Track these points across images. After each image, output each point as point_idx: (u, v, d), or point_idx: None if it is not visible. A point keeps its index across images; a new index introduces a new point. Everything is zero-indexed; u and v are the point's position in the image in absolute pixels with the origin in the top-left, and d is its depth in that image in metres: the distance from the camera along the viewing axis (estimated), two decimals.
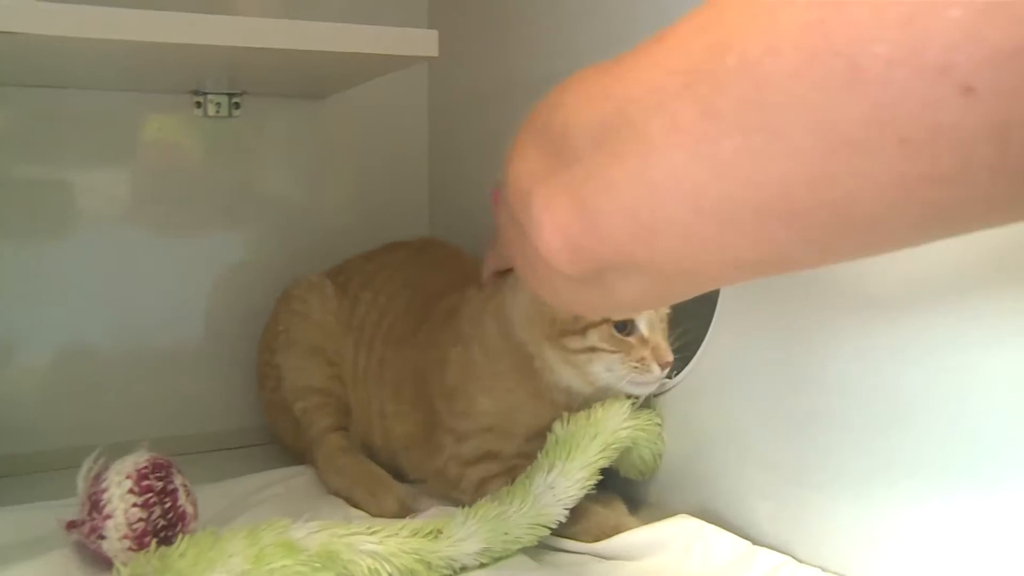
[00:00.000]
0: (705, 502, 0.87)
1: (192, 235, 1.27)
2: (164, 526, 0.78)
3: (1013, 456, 0.61)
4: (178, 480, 0.81)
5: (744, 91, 0.33)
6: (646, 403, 0.92)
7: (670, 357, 0.84)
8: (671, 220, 0.37)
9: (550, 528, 0.82)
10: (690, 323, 0.89)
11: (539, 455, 0.85)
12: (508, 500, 0.81)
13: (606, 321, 0.84)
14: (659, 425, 0.91)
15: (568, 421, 0.86)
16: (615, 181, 0.39)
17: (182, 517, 0.80)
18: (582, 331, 0.85)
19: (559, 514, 0.82)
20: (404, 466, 1.01)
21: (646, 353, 0.84)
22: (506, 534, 0.79)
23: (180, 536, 0.73)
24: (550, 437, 0.85)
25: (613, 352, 0.84)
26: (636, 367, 0.84)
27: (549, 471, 0.83)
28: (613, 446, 0.86)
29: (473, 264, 1.06)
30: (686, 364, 0.90)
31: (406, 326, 1.03)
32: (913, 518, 0.68)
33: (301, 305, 1.09)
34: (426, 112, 1.40)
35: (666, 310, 0.86)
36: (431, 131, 1.40)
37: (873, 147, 0.30)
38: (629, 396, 0.89)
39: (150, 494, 0.78)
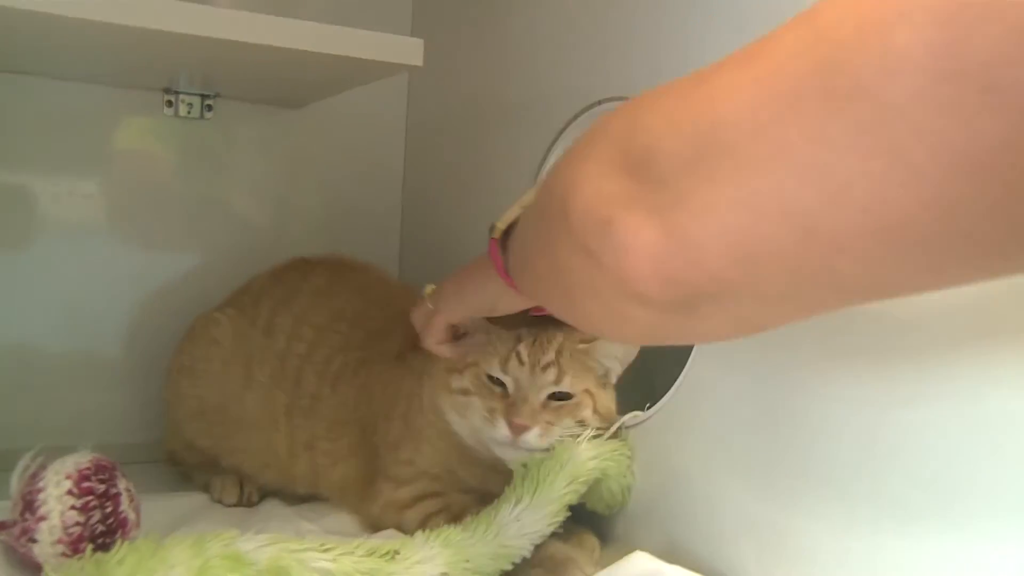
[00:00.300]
0: (675, 539, 0.84)
1: (153, 240, 1.24)
2: (103, 532, 0.74)
3: (1001, 499, 0.59)
4: (122, 484, 0.77)
5: (859, 115, 0.32)
6: (616, 435, 0.90)
7: (522, 420, 0.82)
8: (776, 246, 0.37)
9: (513, 562, 0.79)
10: (668, 354, 0.87)
11: (507, 488, 0.83)
12: (472, 528, 0.78)
13: (478, 366, 0.85)
14: (628, 458, 0.89)
15: (528, 463, 0.84)
16: (712, 206, 0.38)
17: (123, 524, 0.76)
18: (461, 370, 0.86)
19: (524, 548, 0.80)
20: (331, 502, 1.00)
21: (497, 406, 0.83)
22: (467, 561, 0.76)
23: (119, 544, 0.69)
24: (518, 470, 0.84)
25: (476, 396, 0.85)
26: (486, 418, 0.84)
27: (516, 504, 0.81)
28: (581, 479, 0.84)
29: (402, 291, 1.07)
30: (661, 396, 0.88)
31: (345, 363, 1.00)
32: (897, 561, 0.65)
33: (189, 351, 1.07)
34: (403, 130, 1.38)
35: (551, 378, 0.84)
36: (408, 148, 1.38)
37: (1007, 172, 0.29)
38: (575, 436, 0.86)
39: (90, 497, 0.74)
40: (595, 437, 0.87)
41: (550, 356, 0.85)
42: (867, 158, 0.32)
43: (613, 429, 0.90)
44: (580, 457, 0.84)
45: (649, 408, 0.89)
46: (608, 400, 0.89)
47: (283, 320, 1.03)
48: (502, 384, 0.85)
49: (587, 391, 0.86)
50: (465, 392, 0.86)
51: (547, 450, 0.84)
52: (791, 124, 0.34)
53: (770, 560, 0.75)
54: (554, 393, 0.85)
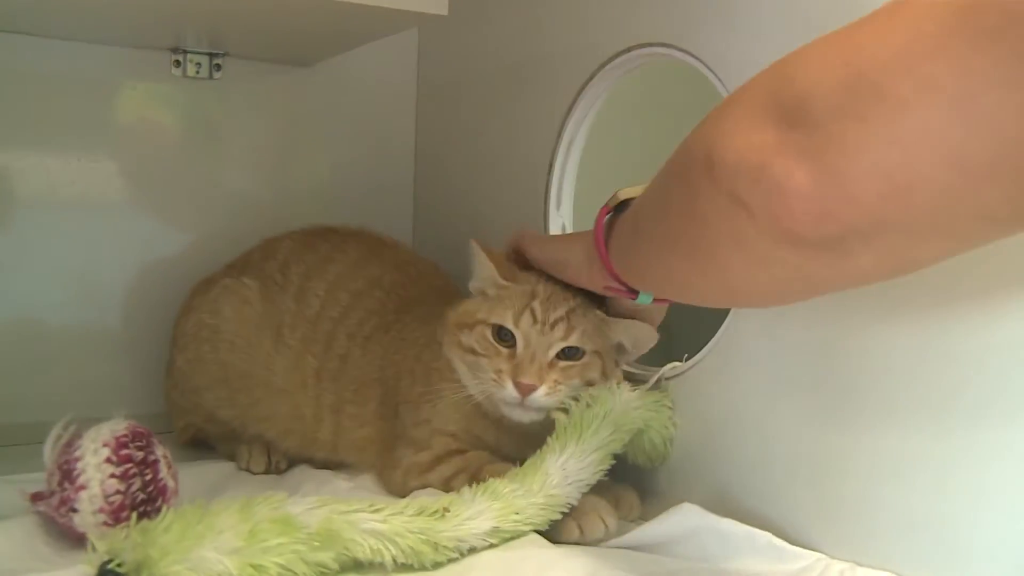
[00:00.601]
0: (723, 490, 0.83)
1: (159, 209, 1.21)
2: (144, 500, 0.72)
3: None
4: (159, 451, 0.76)
5: (1004, 49, 0.34)
6: (656, 386, 0.90)
7: (531, 380, 0.82)
8: (926, 179, 0.39)
9: (561, 511, 0.79)
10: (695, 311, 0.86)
11: (549, 439, 0.82)
12: (519, 479, 0.78)
13: (487, 323, 0.85)
14: (670, 408, 0.89)
15: (574, 405, 0.84)
16: (864, 145, 0.40)
17: (163, 491, 0.74)
18: (471, 326, 0.86)
19: (571, 497, 0.79)
20: (355, 465, 1.00)
21: (504, 367, 0.83)
22: (517, 514, 0.75)
23: (164, 511, 0.67)
24: (558, 423, 0.83)
25: (484, 357, 0.85)
26: (493, 380, 0.84)
27: (561, 452, 0.80)
28: (625, 427, 0.84)
29: (437, 271, 1.08)
30: (681, 352, 0.88)
31: (378, 325, 1.01)
32: (965, 504, 0.64)
33: (212, 317, 1.06)
34: (414, 93, 1.35)
35: (559, 334, 0.84)
36: (419, 112, 1.36)
37: None
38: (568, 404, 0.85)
39: (129, 464, 0.72)
40: (635, 389, 0.87)
41: (560, 312, 0.84)
42: (1013, 89, 0.34)
43: (652, 381, 0.90)
44: (624, 405, 0.84)
45: (687, 359, 0.89)
46: (614, 372, 0.88)
47: (316, 285, 1.03)
48: (511, 340, 0.84)
49: (597, 352, 0.86)
50: (472, 352, 0.86)
51: (565, 409, 0.84)
52: (939, 61, 0.37)
53: (830, 505, 0.74)
54: (563, 352, 0.84)
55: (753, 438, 0.81)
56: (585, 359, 0.85)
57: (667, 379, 0.90)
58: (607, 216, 0.74)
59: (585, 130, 1.02)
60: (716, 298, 0.66)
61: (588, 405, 0.83)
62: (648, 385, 0.89)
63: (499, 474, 0.81)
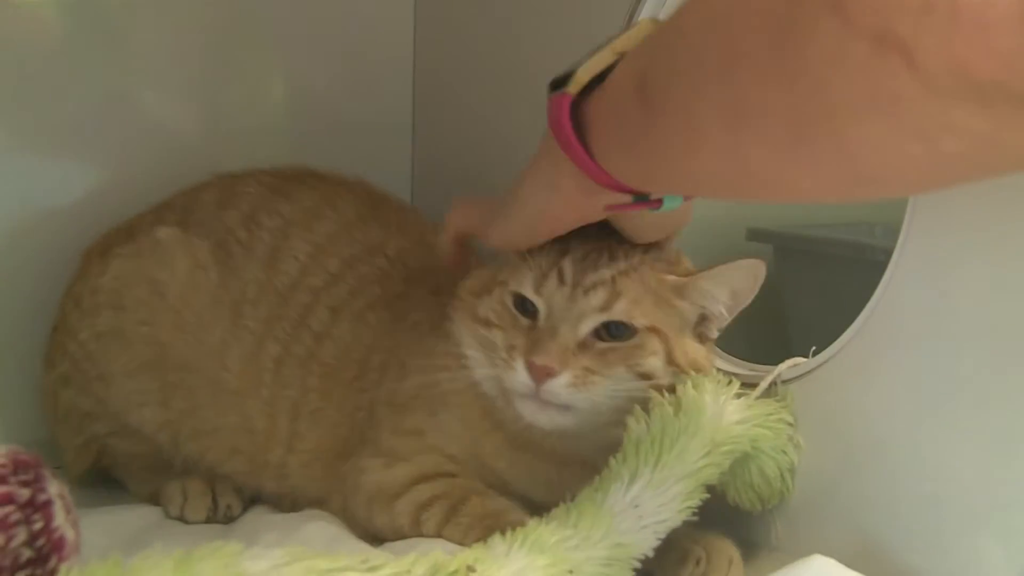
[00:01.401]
0: (866, 542, 0.83)
1: (32, 150, 1.21)
2: (31, 559, 0.70)
3: None
4: (53, 488, 0.73)
5: None
6: (770, 392, 0.89)
7: (547, 360, 0.82)
8: None
9: (633, 567, 0.79)
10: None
11: (612, 460, 0.82)
12: (571, 521, 0.78)
13: (507, 288, 0.86)
14: (790, 424, 0.87)
15: (649, 413, 0.84)
16: None
17: (58, 545, 0.72)
18: (491, 290, 0.88)
19: (646, 544, 0.79)
20: (302, 491, 1.02)
21: (519, 342, 0.84)
22: (571, 573, 0.75)
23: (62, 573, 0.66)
24: (628, 435, 0.83)
25: (498, 329, 0.86)
26: (504, 359, 0.85)
27: (631, 482, 0.80)
28: (724, 448, 0.83)
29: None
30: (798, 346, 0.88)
31: (377, 298, 1.04)
32: None
33: (157, 269, 1.07)
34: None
35: (596, 303, 0.84)
36: (417, 34, 1.38)
37: None
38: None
39: (10, 507, 0.70)
40: (739, 396, 0.86)
41: (603, 274, 0.84)
42: None
43: (765, 385, 0.88)
44: (722, 417, 0.83)
45: (816, 353, 0.88)
46: (698, 352, 0.88)
47: (297, 246, 1.06)
48: (533, 311, 0.85)
49: (654, 330, 0.85)
50: (487, 323, 0.87)
51: (602, 413, 0.84)
52: None
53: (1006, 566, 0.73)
54: (604, 327, 0.84)
55: (914, 464, 0.80)
56: (638, 339, 0.84)
57: (786, 382, 0.89)
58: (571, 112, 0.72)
59: None
60: (823, 192, 0.65)
61: (673, 412, 0.82)
62: (759, 391, 0.88)
63: (494, 513, 0.84)
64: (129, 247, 1.07)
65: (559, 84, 0.73)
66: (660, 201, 0.75)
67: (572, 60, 0.73)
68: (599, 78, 0.71)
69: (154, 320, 1.05)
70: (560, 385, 0.82)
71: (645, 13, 1.01)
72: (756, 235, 1.41)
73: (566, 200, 0.78)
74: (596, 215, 0.80)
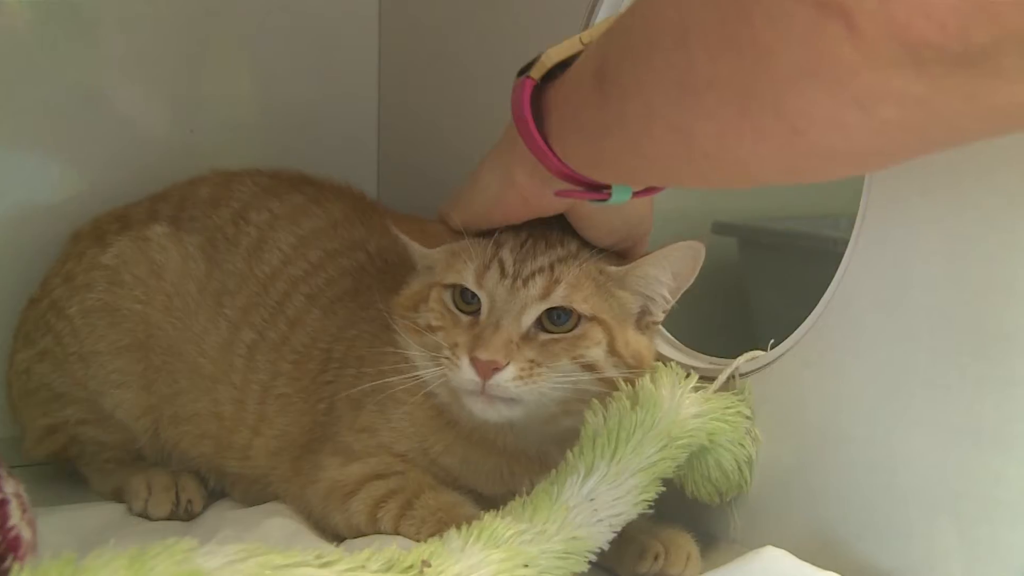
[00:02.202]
0: (822, 534, 0.84)
1: (5, 142, 1.22)
2: None
3: None
4: (8, 487, 0.74)
5: None
6: (728, 385, 0.90)
7: (491, 355, 0.83)
8: None
9: (588, 560, 0.79)
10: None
11: (569, 453, 0.83)
12: (526, 515, 0.78)
13: (442, 284, 0.87)
14: (748, 418, 0.88)
15: (607, 407, 0.84)
16: None
17: (14, 545, 0.72)
18: (425, 299, 0.89)
19: (602, 539, 0.80)
20: (265, 478, 1.03)
21: (461, 339, 0.85)
22: (527, 567, 0.75)
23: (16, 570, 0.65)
24: (584, 429, 0.84)
25: (441, 330, 0.87)
26: (447, 358, 0.85)
27: (587, 476, 0.80)
28: (679, 441, 0.84)
29: None
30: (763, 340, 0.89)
31: (351, 287, 1.06)
32: None
33: (157, 251, 1.10)
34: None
35: (536, 292, 0.85)
36: (382, 29, 1.38)
37: None
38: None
39: None
40: (697, 389, 0.86)
41: (542, 261, 0.86)
42: None
43: (723, 378, 0.89)
44: (679, 410, 0.84)
45: (774, 346, 0.88)
46: (640, 343, 0.89)
47: (282, 237, 1.08)
48: (475, 304, 0.87)
49: (596, 319, 0.86)
50: (429, 328, 0.88)
51: (562, 406, 0.85)
52: None
53: (983, 552, 0.74)
54: (547, 317, 0.85)
55: (870, 456, 0.82)
56: (580, 329, 0.85)
57: (744, 375, 0.90)
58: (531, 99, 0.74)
59: None
60: (769, 169, 0.62)
61: (630, 406, 0.83)
62: (717, 384, 0.89)
63: (446, 507, 0.84)
64: (129, 234, 1.10)
65: (526, 70, 0.75)
66: (609, 193, 0.76)
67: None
68: (560, 66, 0.73)
69: (149, 299, 1.07)
70: (506, 379, 0.83)
71: (603, 14, 1.02)
72: (721, 228, 1.42)
73: (519, 191, 0.80)
74: (548, 208, 0.82)
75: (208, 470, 1.08)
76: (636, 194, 0.78)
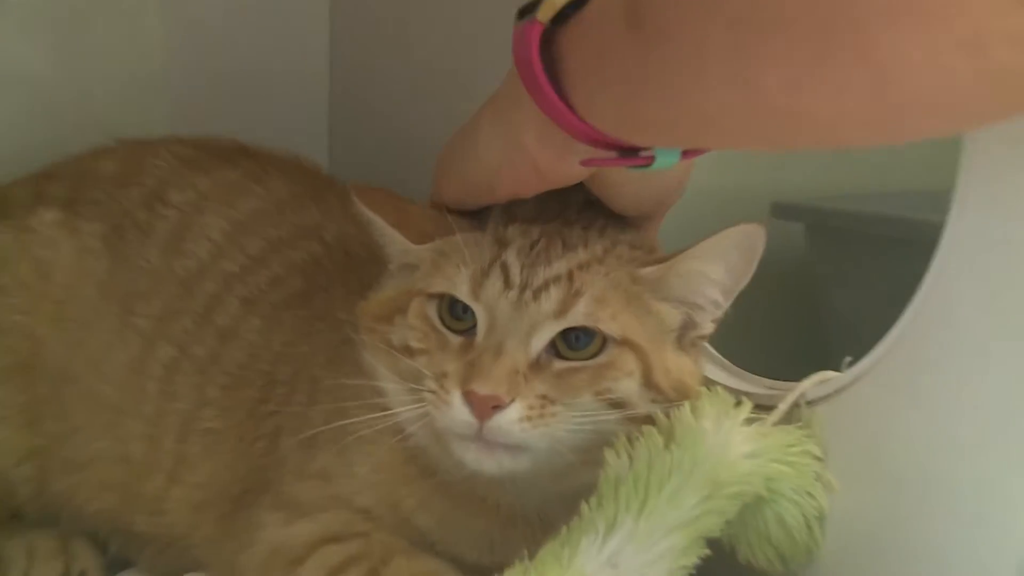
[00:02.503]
0: None
1: None
2: None
3: None
4: None
5: None
6: (791, 416, 0.80)
7: (491, 388, 0.73)
8: None
9: None
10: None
11: (585, 506, 0.74)
12: None
13: (426, 294, 0.79)
14: (818, 459, 0.78)
15: (633, 444, 0.76)
16: None
17: None
18: (403, 309, 0.80)
19: None
20: (184, 539, 0.95)
21: (451, 367, 0.76)
22: None
23: None
24: (604, 474, 0.75)
25: (423, 354, 0.79)
26: (432, 391, 0.76)
27: (607, 534, 0.72)
28: (729, 489, 0.74)
29: None
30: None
31: (301, 290, 0.98)
32: None
33: (41, 248, 1.01)
34: None
35: (550, 307, 0.76)
36: None
37: None
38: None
39: None
40: (751, 421, 0.77)
41: (557, 268, 0.77)
42: None
43: (784, 407, 0.80)
44: (727, 449, 0.75)
45: (851, 365, 0.79)
46: (682, 367, 0.80)
47: (211, 223, 1.00)
48: (469, 321, 0.78)
49: (628, 342, 0.77)
50: (407, 350, 0.79)
51: (575, 454, 0.77)
52: None
53: None
54: (563, 340, 0.76)
55: (979, 508, 0.72)
56: (606, 355, 0.76)
57: (812, 403, 0.81)
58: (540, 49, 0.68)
59: None
60: (851, 127, 0.58)
61: (663, 443, 0.75)
62: (776, 415, 0.80)
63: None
64: (7, 223, 1.02)
65: (527, 11, 0.68)
66: (652, 157, 0.69)
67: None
68: (573, 5, 0.67)
69: (33, 308, 0.99)
70: (510, 420, 0.73)
71: None
72: (784, 211, 1.32)
73: (529, 159, 0.73)
74: (567, 178, 0.74)
75: (109, 531, 0.99)
76: (686, 154, 0.72)
